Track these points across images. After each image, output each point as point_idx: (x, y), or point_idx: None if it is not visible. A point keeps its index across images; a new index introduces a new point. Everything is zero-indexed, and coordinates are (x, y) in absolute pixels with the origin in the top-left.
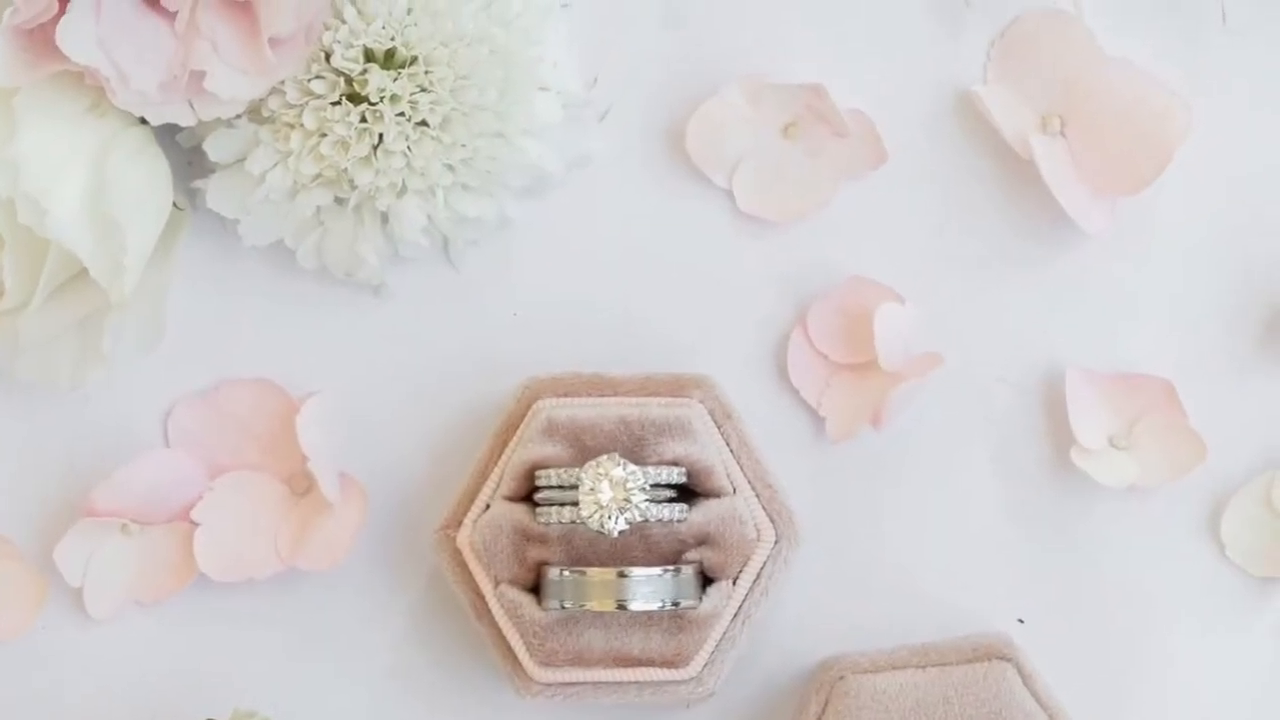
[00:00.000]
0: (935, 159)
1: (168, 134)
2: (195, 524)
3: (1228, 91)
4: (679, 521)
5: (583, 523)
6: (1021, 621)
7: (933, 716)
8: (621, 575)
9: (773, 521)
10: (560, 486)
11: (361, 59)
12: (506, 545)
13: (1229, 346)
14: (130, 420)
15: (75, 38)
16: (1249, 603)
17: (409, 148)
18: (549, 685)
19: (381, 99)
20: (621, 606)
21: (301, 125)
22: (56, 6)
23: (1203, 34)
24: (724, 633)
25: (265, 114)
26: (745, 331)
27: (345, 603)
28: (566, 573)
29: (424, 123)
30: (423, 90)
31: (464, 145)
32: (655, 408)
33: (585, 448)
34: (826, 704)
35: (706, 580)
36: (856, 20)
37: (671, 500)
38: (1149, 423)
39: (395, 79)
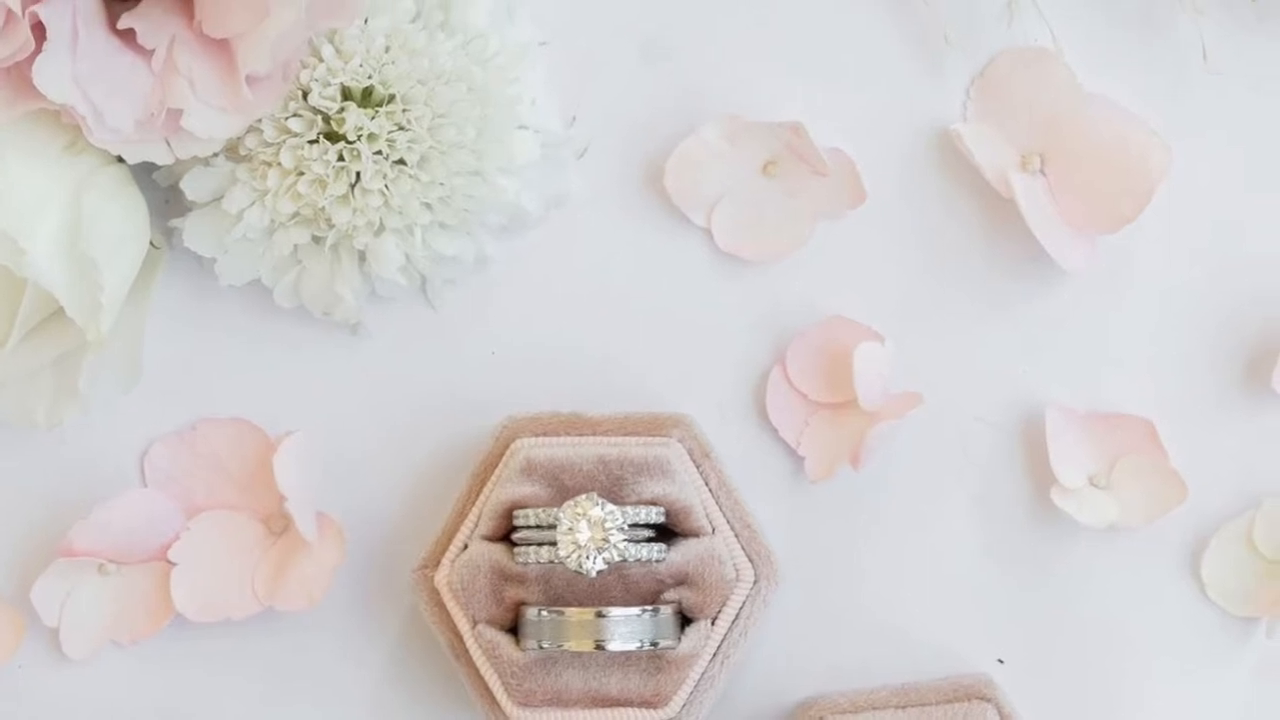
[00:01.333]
0: (915, 197)
1: (144, 172)
2: (172, 564)
3: (1208, 131)
4: (657, 561)
5: (561, 563)
6: (1001, 662)
7: None
8: (600, 615)
9: (752, 561)
10: (538, 526)
11: (339, 97)
12: (484, 585)
13: (1210, 386)
14: (107, 459)
15: (52, 76)
16: (1230, 643)
17: (386, 186)
18: None
19: (359, 137)
20: (600, 646)
21: (279, 163)
22: (33, 44)
23: (1184, 73)
24: (703, 673)
25: (242, 152)
26: (724, 370)
27: (323, 643)
28: (545, 613)
29: (402, 161)
30: (400, 129)
31: (442, 184)
32: (634, 447)
33: (564, 487)
34: None
35: (685, 620)
36: (836, 58)
37: (650, 540)
38: (1129, 462)
39: (373, 117)
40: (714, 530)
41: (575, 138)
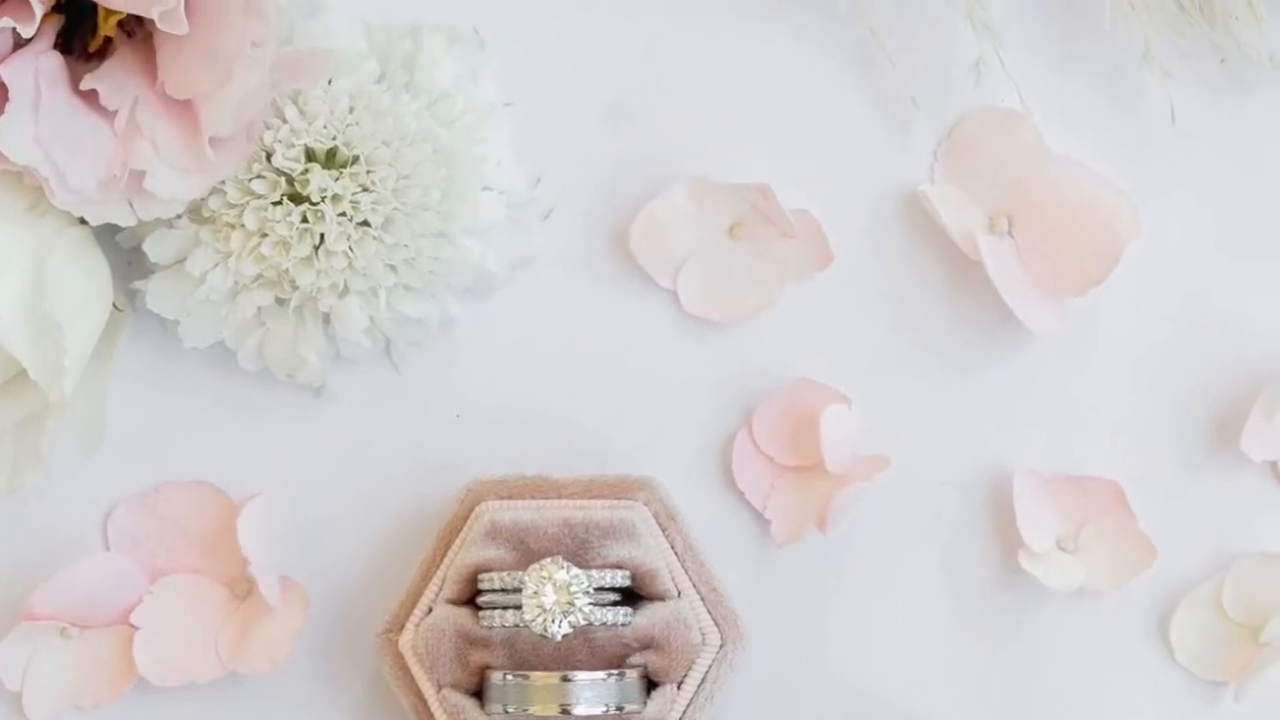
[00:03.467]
0: (882, 259)
1: (107, 234)
2: (135, 628)
3: (1176, 192)
4: (623, 625)
5: (526, 626)
6: None
7: None
8: (565, 679)
9: (718, 625)
10: (503, 590)
11: (303, 158)
12: (449, 649)
13: (1178, 448)
14: (69, 523)
15: (14, 137)
16: (1198, 707)
17: (351, 248)
18: None
19: (323, 199)
20: (565, 711)
21: (242, 225)
22: None
23: (1151, 134)
24: None
25: (206, 214)
26: (690, 433)
27: (286, 707)
28: (510, 677)
29: (366, 223)
30: (365, 190)
31: (406, 245)
32: (599, 510)
33: (529, 550)
34: None
35: (651, 684)
36: (802, 120)
37: (616, 604)
38: (1097, 526)
39: (337, 179)
40: (680, 594)
41: (540, 199)
